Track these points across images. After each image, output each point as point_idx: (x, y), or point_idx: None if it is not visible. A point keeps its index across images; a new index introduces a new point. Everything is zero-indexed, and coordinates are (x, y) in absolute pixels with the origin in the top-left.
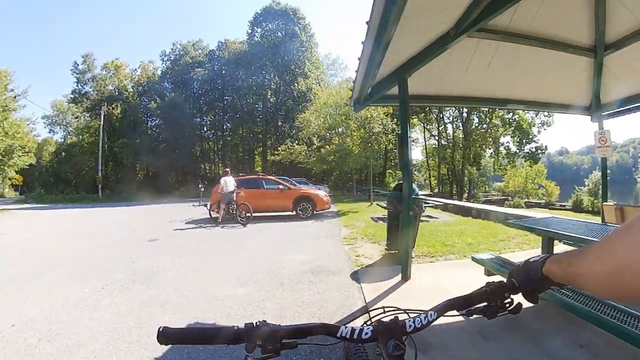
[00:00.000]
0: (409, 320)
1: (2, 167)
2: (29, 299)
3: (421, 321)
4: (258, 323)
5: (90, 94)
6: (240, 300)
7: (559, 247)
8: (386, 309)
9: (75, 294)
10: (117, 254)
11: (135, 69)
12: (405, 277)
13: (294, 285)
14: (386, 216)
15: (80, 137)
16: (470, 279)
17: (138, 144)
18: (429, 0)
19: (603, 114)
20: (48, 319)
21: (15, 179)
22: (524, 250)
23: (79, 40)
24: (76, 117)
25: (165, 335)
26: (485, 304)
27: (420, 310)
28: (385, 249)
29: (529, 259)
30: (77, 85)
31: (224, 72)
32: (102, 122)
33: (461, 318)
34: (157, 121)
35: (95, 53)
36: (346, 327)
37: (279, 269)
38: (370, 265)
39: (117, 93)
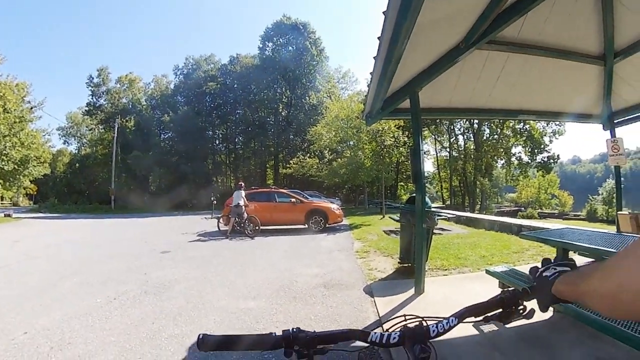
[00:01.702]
0: (433, 326)
1: (17, 176)
2: (41, 307)
3: (443, 326)
4: (294, 329)
5: (105, 106)
6: (252, 314)
7: (574, 258)
8: (407, 317)
9: (88, 304)
10: (130, 265)
11: (149, 83)
12: (419, 291)
13: (306, 299)
14: (398, 229)
15: (94, 148)
16: (485, 292)
17: (151, 157)
18: (439, 15)
19: (615, 121)
20: (60, 328)
21: (30, 188)
22: (538, 262)
23: (95, 54)
24: (90, 129)
25: (206, 343)
26: (500, 310)
27: (438, 318)
28: (399, 262)
29: (542, 271)
30: (91, 98)
31: (235, 86)
32: (115, 135)
33: (476, 331)
34: (169, 134)
35: (110, 67)
36: (376, 333)
37: (291, 283)
38: (383, 279)
39: (130, 106)
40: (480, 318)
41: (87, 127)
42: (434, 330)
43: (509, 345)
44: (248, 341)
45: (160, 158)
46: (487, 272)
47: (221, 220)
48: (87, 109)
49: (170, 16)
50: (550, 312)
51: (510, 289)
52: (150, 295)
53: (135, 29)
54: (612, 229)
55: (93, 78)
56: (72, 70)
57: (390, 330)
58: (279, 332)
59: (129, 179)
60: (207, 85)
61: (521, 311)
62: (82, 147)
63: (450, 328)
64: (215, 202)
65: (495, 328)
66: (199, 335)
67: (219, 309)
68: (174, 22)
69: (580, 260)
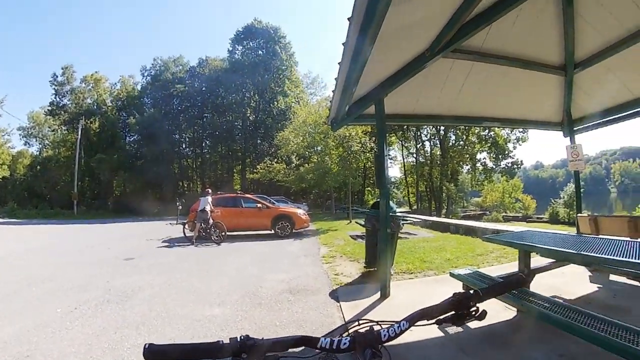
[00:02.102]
0: (384, 330)
1: None
2: None
3: (395, 330)
4: (242, 337)
5: (69, 106)
6: (217, 321)
7: (536, 259)
8: (361, 322)
9: (48, 314)
10: (92, 272)
11: (115, 83)
12: (385, 295)
13: (272, 305)
14: (365, 234)
15: (57, 150)
16: (450, 294)
17: (115, 160)
18: (405, 23)
19: (574, 129)
20: (19, 340)
21: None
22: (502, 263)
23: (59, 51)
24: (53, 130)
25: (152, 352)
26: (453, 312)
27: (394, 322)
28: (364, 266)
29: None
30: (55, 97)
31: (204, 89)
32: (79, 136)
33: (441, 333)
34: (135, 137)
35: (76, 65)
36: (325, 339)
37: (257, 289)
38: (349, 284)
39: (95, 107)
40: (433, 321)
41: (49, 127)
42: (385, 335)
43: (473, 345)
44: (195, 350)
45: (125, 161)
46: (451, 274)
47: (187, 226)
48: (50, 108)
49: (140, 14)
50: (513, 312)
51: (461, 291)
52: (113, 304)
53: (103, 26)
54: (573, 231)
55: (57, 76)
56: (35, 68)
57: (341, 337)
58: (226, 340)
59: (93, 183)
60: (174, 87)
61: (473, 313)
62: (44, 149)
63: (402, 332)
64: (180, 207)
65: (460, 329)
66: (145, 345)
67: (183, 316)
68: (143, 21)
69: (541, 261)
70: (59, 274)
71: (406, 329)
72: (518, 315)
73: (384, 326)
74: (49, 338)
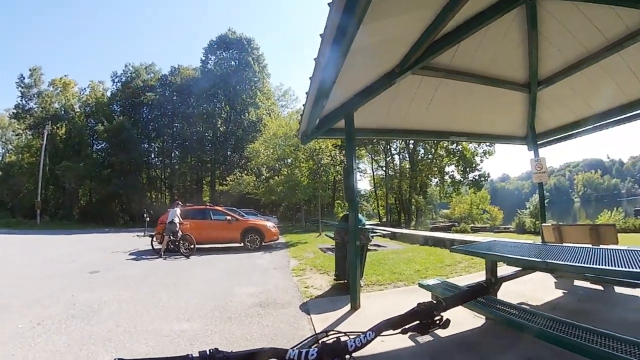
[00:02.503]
0: (350, 341)
1: None
2: None
3: (361, 341)
4: (211, 350)
5: (35, 110)
6: (186, 336)
7: (503, 268)
8: (329, 333)
9: (9, 330)
10: (55, 286)
11: (84, 89)
12: (355, 306)
13: (242, 319)
14: (334, 247)
15: (20, 156)
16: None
17: (82, 168)
18: (376, 40)
19: (538, 142)
20: None
21: None
22: (470, 273)
23: (27, 51)
24: (17, 135)
25: None
26: (418, 322)
27: (361, 332)
28: (334, 279)
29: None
30: (21, 100)
31: (175, 98)
32: (44, 142)
33: (412, 342)
34: (103, 145)
35: (44, 67)
36: (294, 351)
37: (227, 302)
38: (319, 296)
39: (63, 112)
40: (399, 330)
41: (14, 131)
42: (351, 345)
43: (444, 353)
44: None
45: (91, 170)
46: (420, 285)
47: (155, 238)
48: (15, 111)
49: (114, 17)
50: (482, 320)
51: (426, 301)
52: (78, 319)
53: (75, 27)
54: (539, 240)
55: (24, 78)
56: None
57: (309, 348)
58: (195, 354)
59: (57, 191)
60: (145, 95)
61: (437, 322)
62: (7, 154)
63: (368, 342)
64: (148, 219)
65: (431, 338)
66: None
67: (151, 332)
68: (117, 25)
69: (508, 269)
70: (20, 287)
71: (372, 339)
72: (487, 323)
73: (350, 336)
74: (10, 356)
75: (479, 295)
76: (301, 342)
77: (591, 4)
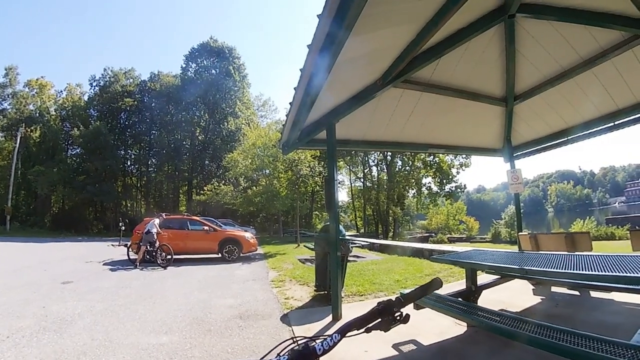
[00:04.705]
0: (318, 345)
1: None
2: None
3: (328, 343)
4: None
5: (8, 111)
6: (165, 350)
7: (482, 277)
8: (296, 339)
9: None
10: (26, 297)
11: (61, 91)
12: (337, 317)
13: (222, 332)
14: (313, 257)
15: None
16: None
17: (55, 173)
18: (359, 53)
19: (514, 154)
20: None
21: None
22: (449, 282)
23: (5, 48)
24: None
25: None
26: (380, 320)
27: (327, 335)
28: (315, 290)
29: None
30: None
31: (153, 104)
32: (17, 145)
33: (396, 352)
34: (78, 150)
35: (20, 67)
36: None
37: (206, 315)
38: (300, 307)
39: (37, 114)
40: (363, 330)
41: None
42: (319, 349)
43: None
44: None
45: (65, 176)
46: (401, 294)
47: (131, 248)
48: None
49: (96, 19)
50: (464, 327)
51: (386, 299)
52: (50, 332)
53: (53, 27)
54: (515, 249)
55: None
56: None
57: (277, 356)
58: None
59: (29, 197)
60: (123, 100)
61: (398, 318)
62: None
63: (335, 344)
64: (123, 228)
65: (414, 347)
66: None
67: (127, 345)
68: (99, 26)
69: (487, 278)
70: None
71: (339, 341)
72: (469, 330)
73: (317, 341)
74: None
75: (435, 289)
76: (270, 351)
77: (567, 24)
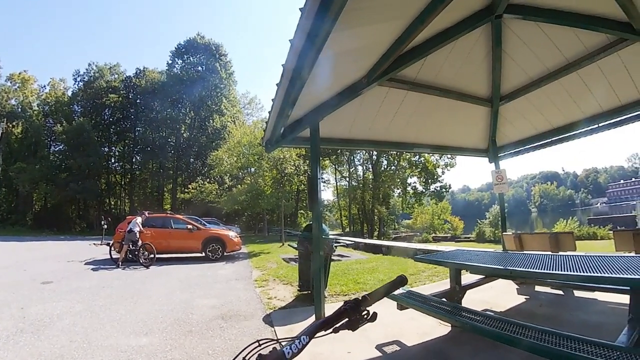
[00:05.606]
0: (287, 348)
1: None
2: None
3: (297, 346)
4: None
5: None
6: (145, 351)
7: (466, 276)
8: (261, 342)
9: None
10: (4, 298)
11: (44, 86)
12: (320, 317)
13: (203, 333)
14: (298, 257)
15: None
16: (384, 313)
17: (37, 170)
18: (344, 49)
19: (499, 155)
20: None
21: None
22: (434, 282)
23: None
24: None
25: None
26: (347, 319)
27: (294, 337)
28: (298, 290)
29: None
30: None
31: (138, 101)
32: None
33: (379, 353)
34: (61, 147)
35: (3, 60)
36: None
37: (187, 315)
38: (283, 307)
39: (19, 110)
40: (330, 330)
41: None
42: (288, 352)
43: None
44: None
45: (47, 173)
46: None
47: (113, 247)
48: None
49: (81, 12)
50: (448, 328)
51: (352, 299)
52: (28, 334)
53: (37, 19)
54: (499, 248)
55: None
56: None
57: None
58: None
59: (10, 194)
60: (108, 96)
61: (365, 316)
62: None
63: (304, 346)
64: (106, 226)
65: (398, 348)
66: None
67: (107, 347)
68: (84, 19)
69: (471, 277)
70: None
71: (307, 343)
72: (453, 330)
73: (283, 343)
74: None
75: (400, 286)
76: (235, 357)
77: (554, 25)
